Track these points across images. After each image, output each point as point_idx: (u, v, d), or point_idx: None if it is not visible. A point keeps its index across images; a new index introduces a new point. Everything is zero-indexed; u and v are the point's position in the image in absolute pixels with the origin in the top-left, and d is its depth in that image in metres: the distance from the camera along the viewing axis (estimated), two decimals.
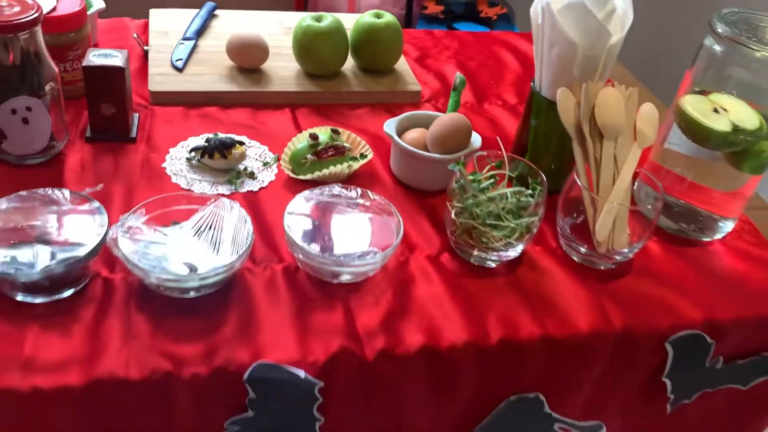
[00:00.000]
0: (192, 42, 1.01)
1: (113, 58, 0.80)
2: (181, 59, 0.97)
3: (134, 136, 0.85)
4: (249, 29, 1.03)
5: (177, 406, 0.61)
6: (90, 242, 0.63)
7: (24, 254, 0.61)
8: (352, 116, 0.96)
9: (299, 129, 0.91)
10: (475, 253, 0.74)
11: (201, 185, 0.79)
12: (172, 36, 1.02)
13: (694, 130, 0.79)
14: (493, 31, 1.30)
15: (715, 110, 0.78)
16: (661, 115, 0.83)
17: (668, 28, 1.81)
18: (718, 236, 0.86)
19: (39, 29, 0.73)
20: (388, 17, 1.00)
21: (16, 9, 0.71)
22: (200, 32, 1.04)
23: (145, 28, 1.07)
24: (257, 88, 0.95)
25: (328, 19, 0.97)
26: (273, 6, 1.46)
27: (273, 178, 0.83)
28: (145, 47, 1.00)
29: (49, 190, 0.67)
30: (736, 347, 0.78)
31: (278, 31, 1.08)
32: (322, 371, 0.62)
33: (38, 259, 0.61)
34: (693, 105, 0.80)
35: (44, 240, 0.63)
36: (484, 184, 0.74)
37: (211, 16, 1.08)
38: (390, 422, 0.70)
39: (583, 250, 0.77)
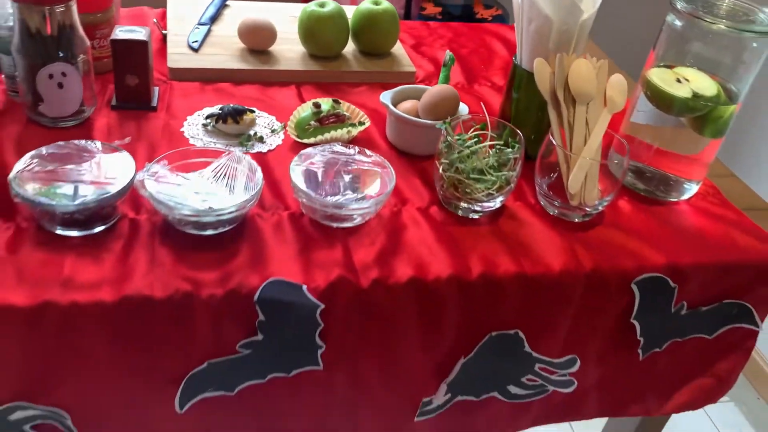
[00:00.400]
0: (206, 27, 1.10)
1: (137, 33, 0.89)
2: (197, 41, 1.06)
3: (155, 105, 0.94)
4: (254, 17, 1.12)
5: (195, 327, 0.69)
6: (119, 183, 0.72)
7: (62, 191, 0.70)
8: (351, 93, 1.05)
9: (304, 102, 1.00)
10: (462, 204, 0.83)
11: (215, 147, 0.88)
12: (188, 22, 1.12)
13: (659, 98, 0.88)
14: (485, 23, 1.39)
15: (678, 80, 0.87)
16: (631, 91, 0.91)
17: (636, 10, 1.91)
18: (684, 197, 0.94)
19: (74, 4, 0.82)
20: (385, 4, 1.10)
21: None
22: (214, 19, 1.14)
23: (163, 16, 1.17)
24: (266, 66, 1.05)
25: (330, 5, 1.07)
26: None
27: (280, 142, 0.92)
28: (164, 31, 1.09)
29: (83, 141, 0.76)
30: (698, 294, 0.86)
31: (285, 20, 1.17)
32: (323, 296, 0.71)
33: (75, 195, 0.70)
34: (658, 76, 0.89)
35: (80, 180, 0.72)
36: (469, 142, 0.83)
37: (223, 5, 1.18)
38: (384, 354, 0.78)
39: (557, 203, 0.85)
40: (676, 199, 0.94)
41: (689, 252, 0.84)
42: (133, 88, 0.92)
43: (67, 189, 0.70)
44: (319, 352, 0.74)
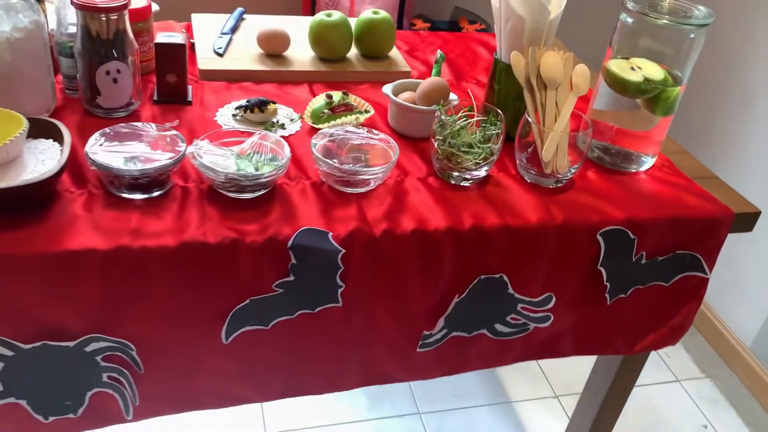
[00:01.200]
0: (228, 36, 1.27)
1: (176, 38, 1.06)
2: (221, 47, 1.23)
3: (190, 100, 1.10)
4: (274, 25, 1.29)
5: (240, 269, 0.85)
6: (173, 155, 0.87)
7: (129, 160, 0.86)
8: (356, 90, 1.22)
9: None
10: (454, 174, 0.99)
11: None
12: (212, 32, 1.28)
13: (617, 83, 1.05)
14: (463, 32, 1.57)
15: (632, 68, 1.05)
16: (593, 82, 1.08)
17: (593, 13, 2.09)
18: (643, 168, 1.11)
19: (126, 12, 0.98)
20: (383, 14, 1.27)
21: None
22: (234, 29, 1.30)
23: (189, 28, 1.33)
24: (282, 68, 1.21)
25: (336, 15, 1.24)
26: (284, 13, 1.73)
27: (298, 128, 1.08)
28: (191, 40, 1.26)
29: (140, 123, 0.92)
30: (655, 245, 1.02)
31: (295, 30, 1.34)
32: (343, 243, 0.86)
33: (138, 164, 0.85)
34: (615, 65, 1.06)
35: (141, 153, 0.87)
36: (460, 121, 1.00)
37: (241, 18, 1.35)
38: (392, 293, 0.94)
39: (533, 172, 1.02)
40: (636, 170, 1.10)
41: (645, 209, 1.00)
42: (172, 85, 1.08)
43: (133, 159, 0.86)
44: (339, 291, 0.90)
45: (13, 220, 0.80)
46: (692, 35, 1.01)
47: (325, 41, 1.24)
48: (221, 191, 0.90)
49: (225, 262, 0.84)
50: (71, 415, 0.89)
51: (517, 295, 0.99)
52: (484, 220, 0.93)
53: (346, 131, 1.00)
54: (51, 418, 0.89)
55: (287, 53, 1.25)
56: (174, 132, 0.91)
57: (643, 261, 1.03)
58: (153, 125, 0.92)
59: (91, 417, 0.90)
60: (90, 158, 0.85)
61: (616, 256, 1.00)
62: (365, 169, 0.93)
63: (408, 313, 0.96)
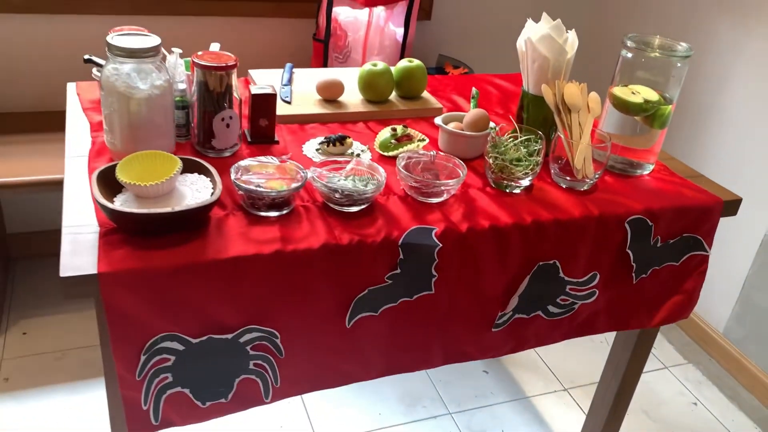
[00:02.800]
0: (289, 87, 1.50)
1: (267, 89, 1.28)
2: (287, 97, 1.45)
3: (277, 140, 1.32)
4: (324, 77, 1.52)
5: (362, 263, 1.06)
6: (299, 180, 1.09)
7: (266, 185, 1.07)
8: (401, 125, 1.46)
9: (373, 133, 1.40)
10: (507, 183, 1.24)
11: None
12: (274, 85, 1.51)
13: (621, 105, 1.33)
14: (474, 74, 1.84)
15: (633, 93, 1.33)
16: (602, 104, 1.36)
17: (599, 50, 2.42)
18: (645, 172, 1.38)
19: (235, 70, 1.20)
20: (416, 62, 1.53)
21: (224, 60, 1.19)
22: (290, 81, 1.53)
23: (246, 82, 1.55)
24: (340, 110, 1.45)
25: (380, 65, 1.49)
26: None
27: (370, 156, 1.31)
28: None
29: (264, 157, 1.13)
30: (666, 230, 1.28)
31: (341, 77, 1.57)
32: (438, 238, 1.09)
33: (275, 188, 1.06)
34: (619, 91, 1.33)
35: (272, 179, 1.08)
36: (513, 141, 1.24)
37: (291, 72, 1.58)
38: (472, 280, 1.16)
39: (568, 179, 1.27)
40: (640, 174, 1.37)
41: (657, 202, 1.27)
42: (263, 128, 1.29)
43: (268, 184, 1.07)
44: (433, 280, 1.12)
45: (185, 236, 1.00)
46: (679, 64, 1.29)
47: (373, 86, 1.48)
48: (333, 206, 1.11)
49: (352, 258, 1.05)
50: (223, 400, 1.07)
51: (566, 278, 1.23)
52: (540, 216, 1.17)
53: (418, 154, 1.23)
54: (207, 403, 1.06)
55: (341, 98, 1.49)
56: (292, 162, 1.13)
57: (659, 244, 1.29)
58: (274, 158, 1.13)
59: (238, 401, 1.08)
60: (238, 185, 1.05)
61: (639, 240, 1.25)
62: (445, 182, 1.16)
63: (484, 296, 1.19)
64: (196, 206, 0.98)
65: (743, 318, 2.17)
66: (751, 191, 2.03)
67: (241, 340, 1.04)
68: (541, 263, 1.20)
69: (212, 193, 1.05)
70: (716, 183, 1.38)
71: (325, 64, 2.11)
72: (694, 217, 1.29)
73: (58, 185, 1.80)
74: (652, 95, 1.31)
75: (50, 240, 2.32)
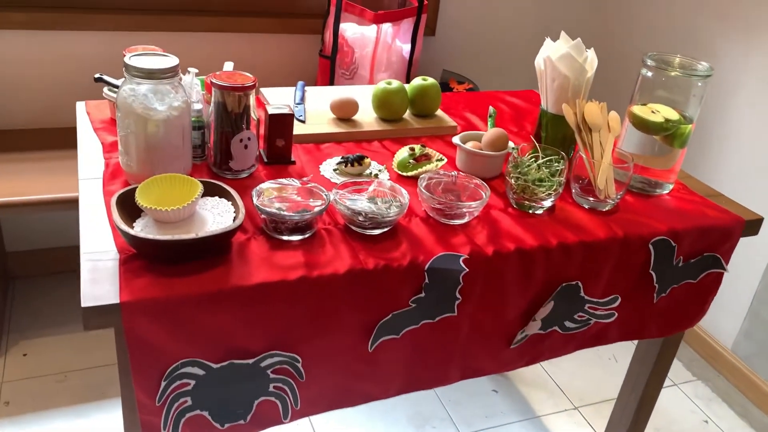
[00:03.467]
0: (302, 105, 1.48)
1: (284, 108, 1.26)
2: (302, 116, 1.43)
3: (294, 160, 1.29)
4: (338, 95, 1.50)
5: (387, 288, 1.03)
6: (321, 203, 1.07)
7: (289, 209, 1.04)
8: (417, 143, 1.44)
9: (389, 152, 1.38)
10: (529, 204, 1.22)
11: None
12: (286, 103, 1.49)
13: (641, 124, 1.32)
14: (483, 91, 1.83)
15: (652, 112, 1.31)
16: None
17: (617, 69, 2.41)
18: (665, 192, 1.37)
19: (253, 91, 1.18)
20: (431, 80, 1.51)
21: (242, 80, 1.16)
22: (302, 100, 1.51)
23: (258, 100, 1.53)
24: (356, 129, 1.43)
25: (395, 83, 1.47)
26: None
27: (388, 176, 1.29)
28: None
29: (285, 179, 1.10)
30: (688, 250, 1.27)
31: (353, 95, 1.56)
32: (465, 263, 1.07)
33: (299, 211, 1.04)
34: (639, 110, 1.32)
35: (297, 202, 1.06)
36: (535, 161, 1.23)
37: (303, 90, 1.56)
38: (495, 301, 1.14)
39: (591, 199, 1.26)
40: (659, 193, 1.36)
41: (680, 223, 1.25)
42: (280, 149, 1.27)
43: (293, 208, 1.04)
44: (456, 303, 1.10)
45: (207, 262, 0.97)
46: (700, 84, 1.28)
47: (388, 105, 1.46)
48: (356, 228, 1.09)
49: (378, 282, 1.03)
50: (241, 422, 1.04)
51: (586, 297, 1.21)
52: (565, 238, 1.15)
53: (439, 174, 1.21)
54: (226, 425, 1.03)
55: (355, 117, 1.47)
56: (313, 184, 1.10)
57: (680, 264, 1.27)
58: (295, 180, 1.11)
59: (256, 421, 1.06)
60: (261, 209, 1.03)
61: (662, 260, 1.24)
62: (468, 203, 1.14)
63: (505, 316, 1.17)
64: (220, 232, 0.95)
65: (752, 334, 2.16)
66: (760, 208, 2.03)
67: (263, 364, 1.01)
68: (564, 284, 1.18)
69: (234, 218, 1.02)
70: (736, 202, 1.37)
71: (331, 81, 2.10)
72: (715, 237, 1.28)
73: (59, 204, 1.77)
74: (673, 114, 1.30)
75: (50, 258, 2.28)
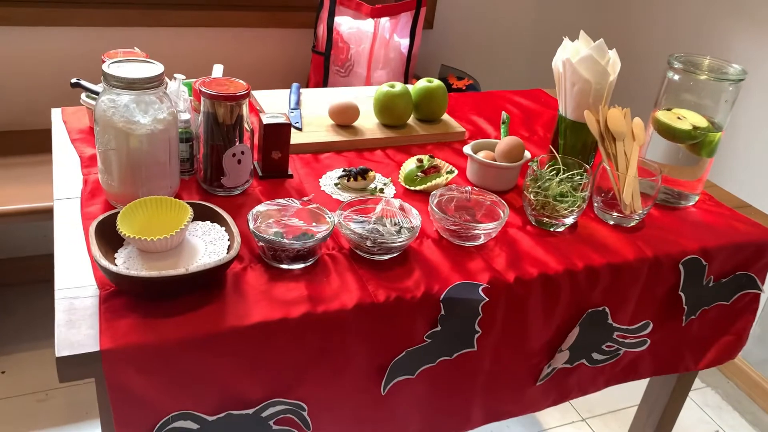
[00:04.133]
0: (297, 111, 1.37)
1: (280, 118, 1.14)
2: (298, 122, 1.32)
3: (291, 173, 1.18)
4: (336, 99, 1.39)
5: (401, 322, 0.93)
6: (326, 226, 0.96)
7: (289, 234, 0.93)
8: (424, 151, 1.33)
9: (393, 162, 1.27)
10: (549, 221, 1.12)
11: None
12: (280, 108, 1.37)
13: (666, 131, 1.22)
14: (489, 91, 1.72)
15: (678, 118, 1.21)
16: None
17: (639, 71, 2.30)
18: (691, 203, 1.27)
19: (247, 100, 1.07)
20: (437, 82, 1.40)
21: (234, 87, 1.05)
22: (298, 104, 1.40)
23: (249, 103, 1.41)
24: (356, 137, 1.31)
25: (398, 86, 1.36)
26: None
27: (393, 191, 1.18)
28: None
29: (284, 200, 0.99)
30: (720, 269, 1.17)
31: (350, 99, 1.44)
32: (485, 291, 0.97)
33: (300, 237, 0.93)
34: (664, 116, 1.22)
35: (298, 227, 0.95)
36: (558, 176, 1.12)
37: (299, 93, 1.44)
38: (517, 333, 1.04)
39: (615, 215, 1.16)
40: (685, 205, 1.26)
41: (711, 239, 1.16)
42: (276, 161, 1.16)
43: (291, 234, 0.94)
44: (476, 336, 1.00)
45: (199, 297, 0.86)
46: (731, 88, 1.18)
47: (391, 110, 1.35)
48: (363, 254, 0.98)
49: (390, 316, 0.92)
50: None
51: (614, 324, 1.12)
52: (592, 260, 1.05)
53: (451, 190, 1.11)
54: None
55: (355, 123, 1.36)
56: (315, 205, 1.00)
57: (711, 284, 1.18)
58: (295, 200, 1.00)
59: None
60: (259, 236, 0.92)
61: (691, 281, 1.14)
62: (486, 224, 1.04)
63: (529, 348, 1.07)
64: (213, 265, 0.84)
65: (764, 340, 2.08)
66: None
67: (264, 414, 0.90)
68: (590, 310, 1.08)
69: (229, 246, 0.91)
70: (765, 213, 1.28)
71: (325, 78, 1.98)
72: (747, 254, 1.19)
73: (36, 215, 1.65)
74: (701, 121, 1.20)
75: (28, 267, 2.15)
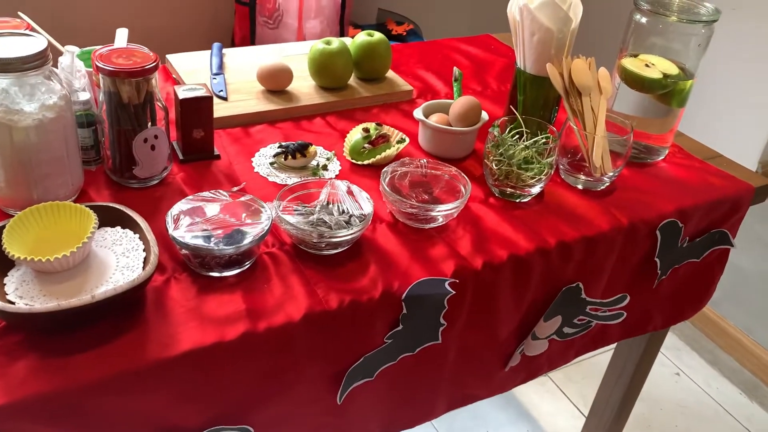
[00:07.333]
0: (221, 76, 1.19)
1: (199, 90, 0.98)
2: (222, 90, 1.15)
3: (218, 153, 1.02)
4: (265, 60, 1.22)
5: (357, 329, 0.81)
6: (263, 222, 0.81)
7: (219, 232, 0.79)
8: (369, 116, 1.19)
9: (336, 131, 1.13)
10: (513, 192, 1.00)
11: (293, 180, 0.99)
12: (200, 73, 1.20)
13: (635, 81, 1.10)
14: (434, 40, 1.57)
15: (646, 65, 1.10)
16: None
17: (601, 14, 2.15)
18: (660, 158, 1.17)
19: (156, 74, 0.89)
20: (378, 35, 1.24)
21: (140, 59, 0.88)
22: (221, 68, 1.22)
23: (164, 70, 1.23)
24: (292, 104, 1.16)
25: (335, 42, 1.20)
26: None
27: (339, 167, 1.04)
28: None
29: (210, 192, 0.84)
30: (695, 228, 1.09)
31: (284, 59, 1.28)
32: (452, 284, 0.85)
33: (231, 239, 0.79)
34: (631, 64, 1.10)
35: (229, 226, 0.80)
36: (522, 140, 1.00)
37: (221, 55, 1.27)
38: (486, 320, 0.94)
39: (583, 178, 1.05)
40: (655, 160, 1.16)
41: (686, 198, 1.06)
42: (199, 141, 1.00)
43: (219, 235, 0.79)
44: (441, 329, 0.88)
45: (113, 324, 0.72)
46: (703, 30, 1.07)
47: (329, 70, 1.19)
48: (309, 250, 0.85)
49: (344, 325, 0.80)
50: None
51: (588, 299, 1.02)
52: (564, 235, 0.94)
53: (403, 163, 0.97)
54: None
55: (289, 87, 1.19)
56: (248, 196, 0.85)
57: (685, 244, 1.09)
58: (224, 192, 0.85)
59: None
60: (180, 242, 0.77)
61: (668, 245, 1.05)
62: (448, 206, 0.91)
63: (498, 335, 0.97)
64: (125, 289, 0.69)
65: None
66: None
67: None
68: (564, 288, 0.98)
69: (145, 258, 0.76)
70: (738, 164, 1.19)
71: (251, 32, 1.79)
72: (723, 210, 1.10)
73: None
74: (671, 68, 1.09)
75: None
